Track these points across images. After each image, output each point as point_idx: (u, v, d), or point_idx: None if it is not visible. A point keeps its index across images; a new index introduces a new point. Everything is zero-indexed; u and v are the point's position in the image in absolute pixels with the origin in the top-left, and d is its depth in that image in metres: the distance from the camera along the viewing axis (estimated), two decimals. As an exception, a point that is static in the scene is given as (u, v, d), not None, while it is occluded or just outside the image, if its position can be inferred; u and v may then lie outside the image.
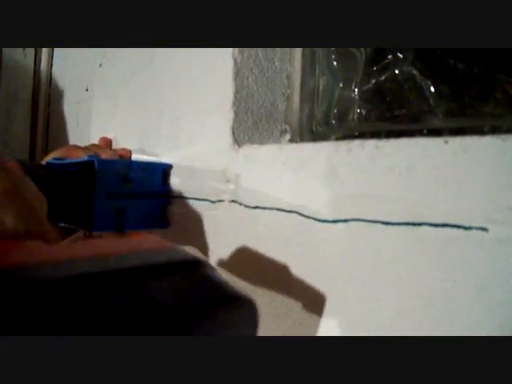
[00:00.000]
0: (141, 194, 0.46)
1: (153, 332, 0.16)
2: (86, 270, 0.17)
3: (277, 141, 0.47)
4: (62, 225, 0.43)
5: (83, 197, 0.43)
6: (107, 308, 0.16)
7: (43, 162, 0.48)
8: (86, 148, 0.54)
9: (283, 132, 0.48)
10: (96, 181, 0.42)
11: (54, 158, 0.47)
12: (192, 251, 0.46)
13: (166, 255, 0.21)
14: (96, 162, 0.42)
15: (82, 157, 0.46)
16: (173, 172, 0.49)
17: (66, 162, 0.46)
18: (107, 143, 0.61)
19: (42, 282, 0.16)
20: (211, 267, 0.21)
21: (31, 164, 0.46)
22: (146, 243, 0.22)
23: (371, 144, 0.31)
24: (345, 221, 0.32)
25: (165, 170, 0.49)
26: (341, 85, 0.47)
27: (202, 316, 0.18)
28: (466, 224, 0.26)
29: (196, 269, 0.20)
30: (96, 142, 0.62)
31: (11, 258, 0.17)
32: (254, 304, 0.19)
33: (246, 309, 0.19)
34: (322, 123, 0.48)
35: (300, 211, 0.36)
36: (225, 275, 0.42)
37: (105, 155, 0.51)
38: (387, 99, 0.43)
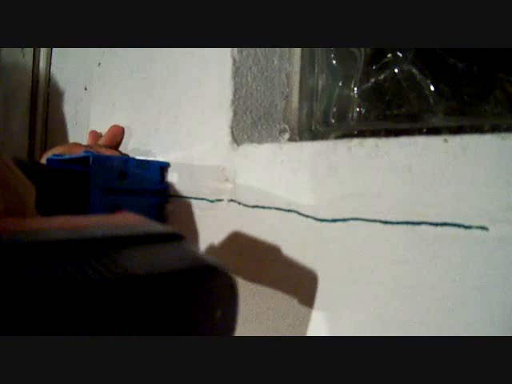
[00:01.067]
0: (137, 191, 0.46)
1: (120, 300, 0.15)
2: (55, 238, 0.17)
3: (276, 140, 0.47)
4: None
5: (79, 192, 0.43)
6: (71, 273, 0.15)
7: (43, 158, 0.48)
8: (87, 146, 0.54)
9: (282, 131, 0.48)
10: (91, 176, 0.42)
11: (54, 155, 0.47)
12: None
13: (143, 228, 0.21)
14: (91, 158, 0.42)
15: (79, 153, 0.46)
16: (171, 171, 0.49)
17: (63, 157, 0.46)
18: (96, 137, 0.61)
19: (4, 245, 0.16)
20: (190, 242, 0.21)
21: (27, 161, 0.46)
22: (127, 219, 0.22)
23: (371, 143, 0.31)
24: (344, 220, 0.32)
25: (162, 167, 0.49)
26: (340, 84, 0.47)
27: (175, 284, 0.17)
28: (466, 223, 0.26)
29: (173, 240, 0.20)
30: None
31: None
32: (232, 276, 0.19)
33: (224, 279, 0.19)
34: (321, 122, 0.47)
35: (299, 210, 0.36)
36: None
37: (105, 153, 0.51)
38: (387, 98, 0.43)
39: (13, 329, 0.13)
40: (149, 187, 0.48)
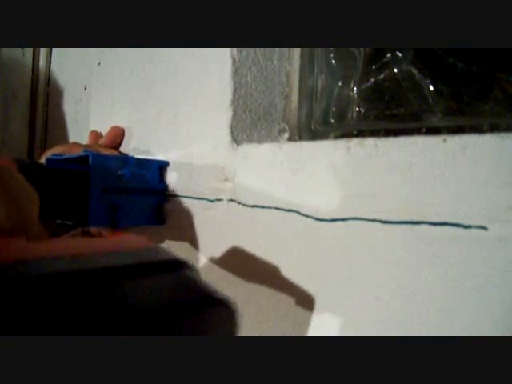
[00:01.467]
0: (137, 190, 0.46)
1: (127, 333, 0.15)
2: (61, 268, 0.17)
3: (275, 139, 0.47)
4: (59, 222, 0.43)
5: (78, 192, 0.43)
6: (80, 307, 0.15)
7: (43, 158, 0.48)
8: (86, 145, 0.54)
9: (282, 131, 0.48)
10: (91, 175, 0.42)
11: (53, 154, 0.47)
12: (184, 247, 0.46)
13: (147, 255, 0.21)
14: (91, 157, 0.42)
15: (78, 152, 0.46)
16: (170, 170, 0.49)
17: (62, 157, 0.46)
18: (96, 137, 0.61)
19: (11, 279, 0.16)
20: (192, 268, 0.21)
21: (27, 162, 0.46)
22: (128, 243, 0.22)
23: (370, 142, 0.31)
24: (343, 220, 0.32)
25: (161, 166, 0.49)
26: (340, 83, 0.46)
27: (179, 317, 0.17)
28: (466, 223, 0.26)
29: (175, 270, 0.20)
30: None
31: None
32: (234, 305, 0.19)
33: (225, 310, 0.19)
34: (320, 122, 0.47)
35: (299, 210, 0.36)
36: (223, 274, 0.42)
37: (104, 152, 0.51)
38: (386, 98, 0.43)
39: None
40: (148, 186, 0.48)
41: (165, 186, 0.49)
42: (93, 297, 0.16)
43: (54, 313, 0.15)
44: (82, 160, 0.43)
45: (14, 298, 0.15)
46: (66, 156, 0.46)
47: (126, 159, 0.46)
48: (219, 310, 0.19)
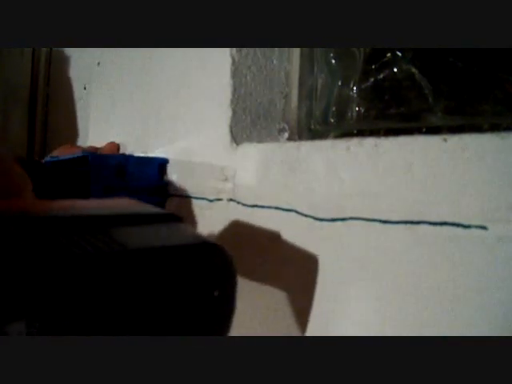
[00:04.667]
0: (137, 188, 0.46)
1: (115, 274, 0.15)
2: (54, 214, 0.17)
3: (275, 139, 0.47)
4: None
5: (79, 192, 0.43)
6: (69, 248, 0.15)
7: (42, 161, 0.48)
8: (84, 147, 0.55)
9: (281, 130, 0.48)
10: (91, 175, 0.42)
11: (51, 157, 0.47)
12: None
13: (142, 209, 0.21)
14: (90, 157, 0.42)
15: (77, 153, 0.46)
16: (170, 170, 0.49)
17: (61, 158, 0.46)
18: (114, 149, 0.61)
19: (9, 219, 0.16)
20: (188, 224, 0.21)
21: (27, 161, 0.46)
22: (125, 201, 0.22)
23: (370, 142, 0.31)
24: (343, 219, 0.32)
25: (161, 164, 0.49)
26: (339, 83, 0.46)
27: (174, 259, 0.17)
28: (466, 222, 0.26)
29: (171, 221, 0.20)
30: (94, 140, 0.62)
31: None
32: (230, 255, 0.19)
33: (222, 258, 0.19)
34: (320, 121, 0.47)
35: (298, 210, 0.36)
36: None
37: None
38: (386, 97, 0.43)
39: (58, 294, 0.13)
40: (148, 185, 0.48)
41: (164, 186, 0.49)
42: (79, 239, 0.16)
43: (41, 253, 0.15)
44: (81, 161, 0.43)
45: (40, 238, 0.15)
46: (65, 157, 0.46)
47: (126, 158, 0.46)
48: (217, 257, 0.18)
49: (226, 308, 0.19)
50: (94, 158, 0.43)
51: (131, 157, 0.47)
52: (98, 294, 0.15)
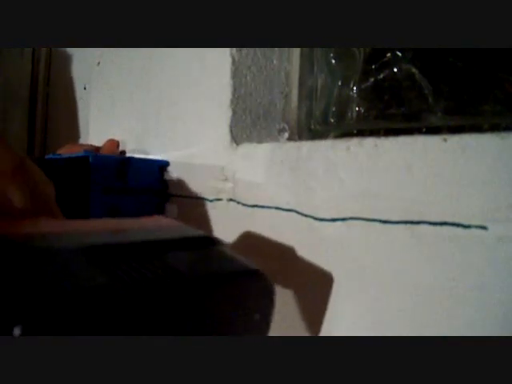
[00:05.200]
0: (137, 190, 0.46)
1: (174, 299, 0.16)
2: (104, 241, 0.18)
3: (275, 139, 0.47)
4: None
5: (79, 192, 0.43)
6: (131, 274, 0.16)
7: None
8: (86, 146, 0.55)
9: (281, 130, 0.48)
10: (91, 176, 0.42)
11: (52, 154, 0.47)
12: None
13: (181, 232, 0.21)
14: (91, 157, 0.42)
15: (78, 152, 0.46)
16: (170, 170, 0.49)
17: (61, 156, 0.46)
18: (114, 146, 0.61)
19: (61, 251, 0.16)
20: (223, 244, 0.21)
21: (32, 158, 0.46)
22: (159, 222, 0.22)
23: (370, 142, 0.31)
24: (343, 219, 0.32)
25: (161, 166, 0.49)
26: (339, 83, 0.46)
27: (219, 286, 0.18)
28: (465, 222, 0.26)
29: (210, 245, 0.21)
30: (94, 140, 0.62)
31: (25, 228, 0.18)
32: (271, 281, 0.19)
33: (263, 283, 0.19)
34: (320, 121, 0.47)
35: (298, 210, 0.36)
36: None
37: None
38: (386, 97, 0.43)
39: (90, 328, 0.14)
40: (148, 186, 0.48)
41: (165, 186, 0.49)
42: (138, 265, 0.16)
43: (104, 280, 0.15)
44: (81, 161, 0.43)
45: (59, 268, 0.15)
46: (66, 156, 0.46)
47: (126, 159, 0.46)
48: (259, 283, 0.19)
49: (262, 330, 0.20)
50: (94, 158, 0.43)
51: (132, 158, 0.47)
52: (158, 317, 0.15)
